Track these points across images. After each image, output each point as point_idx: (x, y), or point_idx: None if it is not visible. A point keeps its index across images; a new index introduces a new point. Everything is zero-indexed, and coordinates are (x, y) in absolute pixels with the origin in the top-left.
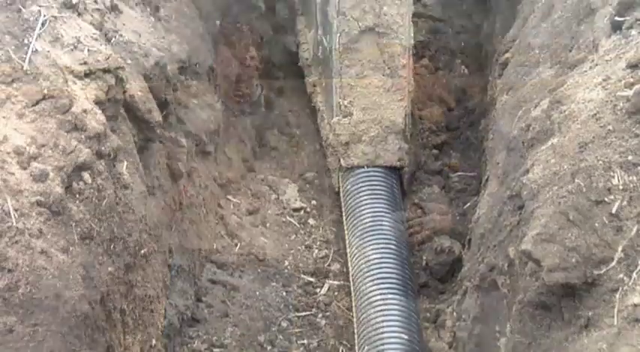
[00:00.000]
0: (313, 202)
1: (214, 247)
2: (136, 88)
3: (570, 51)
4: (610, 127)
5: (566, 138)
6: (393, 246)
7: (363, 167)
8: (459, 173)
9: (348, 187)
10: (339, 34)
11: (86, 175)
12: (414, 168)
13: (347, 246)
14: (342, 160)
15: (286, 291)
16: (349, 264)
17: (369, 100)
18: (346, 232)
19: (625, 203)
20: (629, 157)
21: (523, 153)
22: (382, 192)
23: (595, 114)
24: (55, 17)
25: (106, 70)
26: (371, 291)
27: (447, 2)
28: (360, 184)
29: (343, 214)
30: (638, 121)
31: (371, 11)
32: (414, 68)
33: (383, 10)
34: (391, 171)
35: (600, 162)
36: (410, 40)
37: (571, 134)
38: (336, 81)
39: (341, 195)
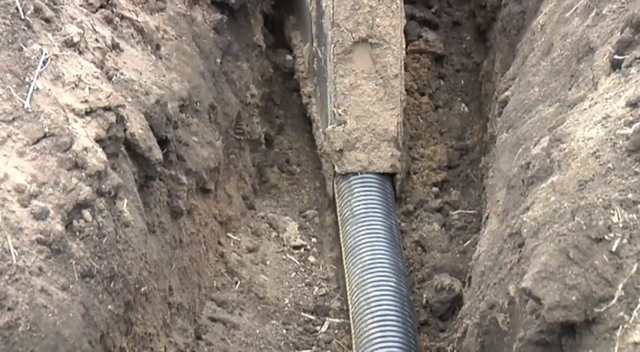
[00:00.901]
0: (313, 240)
1: (214, 285)
2: (137, 125)
3: (570, 89)
4: (610, 165)
5: (566, 176)
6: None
7: (357, 173)
8: (459, 210)
9: (343, 194)
10: (333, 45)
11: (86, 213)
12: (405, 174)
13: (342, 253)
14: (336, 167)
15: (286, 329)
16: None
17: (363, 109)
18: (342, 240)
19: (625, 241)
20: (629, 195)
21: (523, 191)
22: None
23: (595, 152)
24: (57, 56)
25: (106, 108)
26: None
27: (447, 40)
28: (355, 191)
29: (338, 220)
30: (638, 159)
31: (364, 23)
32: (416, 105)
33: (376, 22)
34: (384, 177)
35: (600, 200)
36: (402, 51)
37: (571, 172)
38: (330, 90)
39: (336, 201)
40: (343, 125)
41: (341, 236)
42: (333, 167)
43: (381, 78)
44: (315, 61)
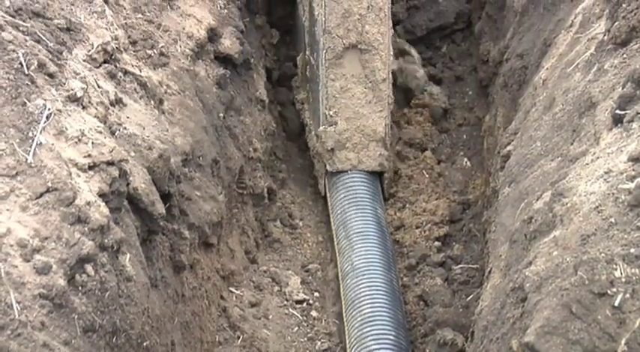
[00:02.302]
0: (316, 294)
1: (217, 339)
2: (140, 180)
3: (572, 144)
4: (612, 220)
5: (569, 230)
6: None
7: (347, 171)
8: (462, 265)
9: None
10: (325, 51)
11: (89, 268)
12: (393, 173)
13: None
14: (327, 165)
15: None
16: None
17: (352, 111)
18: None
19: (628, 296)
20: (632, 250)
21: (525, 246)
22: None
23: (597, 207)
24: (60, 110)
25: (109, 163)
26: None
27: (450, 94)
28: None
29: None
30: None
31: (354, 30)
32: (419, 160)
33: (365, 29)
34: (373, 176)
35: (603, 254)
36: (389, 56)
37: (573, 226)
38: (322, 93)
39: (328, 198)
40: (334, 126)
41: (332, 226)
42: (325, 166)
43: (370, 82)
44: (307, 68)
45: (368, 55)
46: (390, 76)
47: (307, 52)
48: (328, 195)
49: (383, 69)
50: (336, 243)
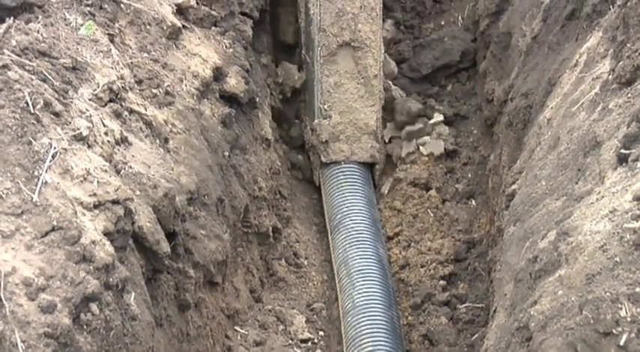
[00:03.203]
0: (321, 333)
1: None
2: (145, 219)
3: (577, 183)
4: (617, 259)
5: (574, 269)
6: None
7: (341, 162)
8: (467, 304)
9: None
10: (319, 48)
11: (94, 306)
12: (383, 164)
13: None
14: (322, 156)
15: None
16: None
17: (346, 105)
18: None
19: (633, 335)
20: (637, 289)
21: (531, 285)
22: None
23: (602, 246)
24: (66, 149)
25: (115, 202)
26: None
27: (456, 133)
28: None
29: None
30: None
31: (347, 28)
32: (424, 199)
33: (358, 28)
34: (365, 166)
35: (608, 293)
36: (381, 53)
37: (578, 266)
38: (317, 89)
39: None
40: (328, 119)
41: (325, 214)
42: (319, 157)
43: (362, 78)
44: (303, 66)
45: (360, 52)
46: (382, 72)
47: (303, 51)
48: (322, 185)
49: (374, 65)
50: (329, 230)
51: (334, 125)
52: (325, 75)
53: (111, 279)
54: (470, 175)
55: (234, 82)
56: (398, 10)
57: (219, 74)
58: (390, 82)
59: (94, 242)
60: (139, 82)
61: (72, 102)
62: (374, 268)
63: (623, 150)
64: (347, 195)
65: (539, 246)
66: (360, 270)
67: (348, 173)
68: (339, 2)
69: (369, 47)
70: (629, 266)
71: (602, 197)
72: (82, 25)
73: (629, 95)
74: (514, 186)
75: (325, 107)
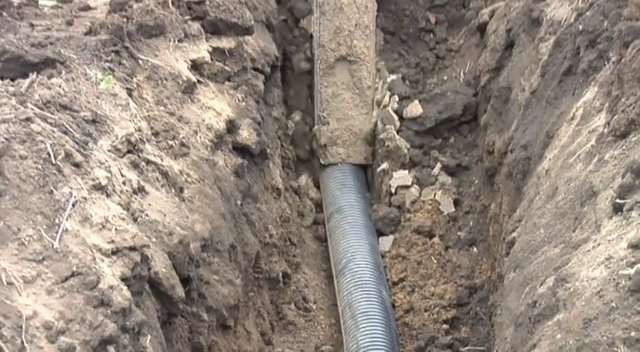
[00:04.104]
0: None
1: None
2: (161, 264)
3: (574, 231)
4: (613, 304)
5: (571, 314)
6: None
7: (338, 164)
8: (469, 347)
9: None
10: (319, 62)
11: (111, 349)
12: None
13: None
14: (321, 159)
15: None
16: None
17: (342, 113)
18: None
19: None
20: (632, 333)
21: (530, 329)
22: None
23: (598, 292)
24: (85, 198)
25: (132, 248)
26: None
27: (458, 183)
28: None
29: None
30: None
31: (344, 44)
32: (427, 246)
33: (353, 43)
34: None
35: (604, 338)
36: (374, 66)
37: (576, 310)
38: (317, 98)
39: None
40: (327, 125)
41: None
42: (319, 160)
43: (357, 88)
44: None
45: (356, 66)
46: (374, 84)
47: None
48: (321, 183)
49: (368, 77)
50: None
51: (332, 131)
52: (324, 86)
53: (128, 323)
54: (471, 223)
55: (246, 134)
56: (403, 66)
57: (232, 126)
58: (396, 133)
59: (111, 287)
60: (156, 134)
61: (92, 153)
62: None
63: (618, 200)
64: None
65: (538, 292)
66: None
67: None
68: (337, 20)
69: (363, 61)
70: (624, 311)
71: (599, 245)
72: (101, 80)
73: (624, 147)
74: (514, 234)
75: (324, 114)
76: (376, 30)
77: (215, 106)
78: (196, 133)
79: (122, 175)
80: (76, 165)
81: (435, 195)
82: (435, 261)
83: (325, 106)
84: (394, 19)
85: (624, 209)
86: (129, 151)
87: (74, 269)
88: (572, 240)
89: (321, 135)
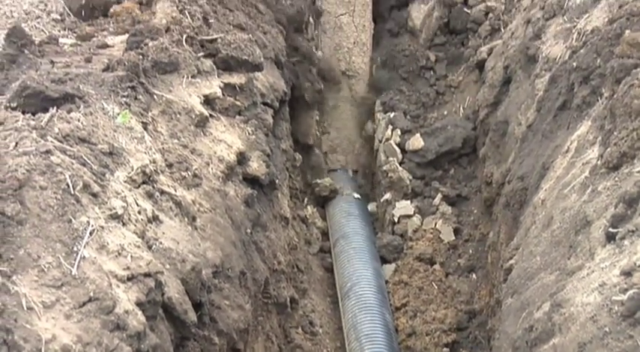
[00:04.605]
0: None
1: None
2: (174, 290)
3: (569, 259)
4: (607, 329)
5: (567, 338)
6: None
7: (336, 170)
8: None
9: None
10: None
11: None
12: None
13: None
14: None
15: None
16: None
17: (342, 123)
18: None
19: None
20: None
21: None
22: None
23: (592, 317)
24: (102, 227)
25: (146, 275)
26: None
27: (458, 212)
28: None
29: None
30: (633, 324)
31: (343, 60)
32: (429, 273)
33: (352, 60)
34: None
35: None
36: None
37: (571, 335)
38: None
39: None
40: (327, 134)
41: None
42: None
43: (355, 100)
44: None
45: (354, 80)
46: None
47: None
48: (327, 212)
49: (365, 90)
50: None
51: (332, 139)
52: (326, 98)
53: (142, 346)
54: (471, 251)
55: (256, 166)
56: (404, 102)
57: (242, 158)
58: (398, 165)
59: (127, 311)
60: (170, 166)
61: (108, 184)
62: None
63: (611, 229)
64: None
65: (535, 317)
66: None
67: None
68: (336, 38)
69: (360, 75)
70: (617, 336)
71: (593, 272)
72: (118, 114)
73: (617, 179)
74: (511, 261)
75: (325, 125)
76: (377, 68)
77: (226, 139)
78: (208, 165)
79: (137, 205)
80: (94, 195)
81: (435, 224)
82: (435, 287)
83: (326, 117)
84: (395, 58)
85: (617, 238)
86: (144, 182)
87: (91, 294)
88: (567, 267)
89: (323, 143)
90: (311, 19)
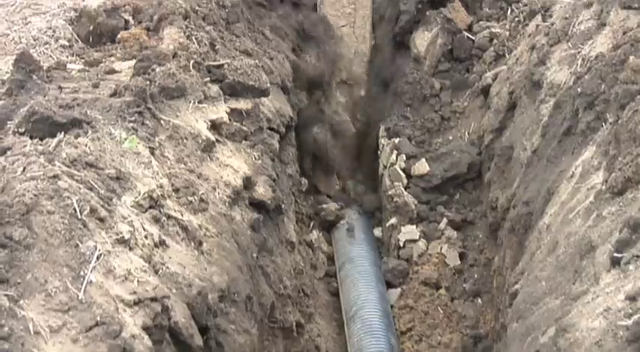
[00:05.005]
0: None
1: None
2: (180, 314)
3: (574, 283)
4: None
5: None
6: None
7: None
8: None
9: None
10: None
11: None
12: None
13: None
14: None
15: None
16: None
17: None
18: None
19: None
20: None
21: None
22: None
23: (597, 342)
24: (109, 251)
25: (153, 299)
26: None
27: (463, 237)
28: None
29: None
30: (638, 349)
31: (344, 69)
32: (434, 297)
33: (352, 69)
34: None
35: None
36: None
37: None
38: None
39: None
40: None
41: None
42: None
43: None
44: None
45: (355, 88)
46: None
47: None
48: (332, 237)
49: (364, 97)
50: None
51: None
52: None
53: None
54: (476, 275)
55: (262, 191)
56: (409, 128)
57: (248, 183)
58: (404, 190)
59: (133, 336)
60: (177, 191)
61: (115, 208)
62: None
63: (616, 254)
64: None
65: (540, 341)
66: None
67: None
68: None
69: (360, 84)
70: None
71: (598, 296)
72: (125, 139)
73: (621, 204)
74: (517, 286)
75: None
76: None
77: (233, 164)
78: (215, 189)
79: (144, 229)
80: (101, 219)
81: (441, 249)
82: (441, 312)
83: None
84: (399, 85)
85: (622, 262)
86: (151, 207)
87: (98, 319)
88: (572, 292)
89: None
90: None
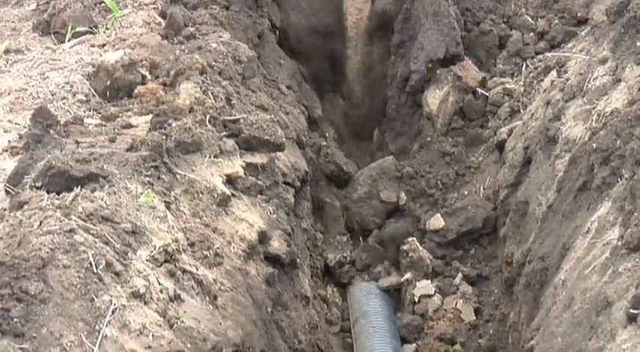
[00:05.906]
0: None
1: None
2: None
3: (590, 340)
4: None
5: None
6: None
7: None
8: None
9: None
10: None
11: None
12: None
13: None
14: None
15: None
16: None
17: None
18: None
19: None
20: None
21: None
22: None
23: None
24: (124, 306)
25: None
26: None
27: (479, 292)
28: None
29: None
30: None
31: None
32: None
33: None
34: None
35: None
36: None
37: None
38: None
39: None
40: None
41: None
42: None
43: None
44: None
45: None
46: None
47: None
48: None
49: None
50: None
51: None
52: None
53: None
54: (491, 331)
55: (277, 245)
56: (423, 184)
57: (263, 238)
58: (419, 245)
59: None
60: (192, 245)
61: (131, 262)
62: None
63: (632, 310)
64: None
65: None
66: None
67: None
68: None
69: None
70: None
71: None
72: (141, 194)
73: (637, 260)
74: (532, 342)
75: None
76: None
77: (248, 218)
78: (230, 244)
79: (159, 284)
80: (116, 274)
81: (456, 304)
82: None
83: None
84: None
85: (638, 319)
86: (166, 261)
87: None
88: (588, 348)
89: None
90: None
